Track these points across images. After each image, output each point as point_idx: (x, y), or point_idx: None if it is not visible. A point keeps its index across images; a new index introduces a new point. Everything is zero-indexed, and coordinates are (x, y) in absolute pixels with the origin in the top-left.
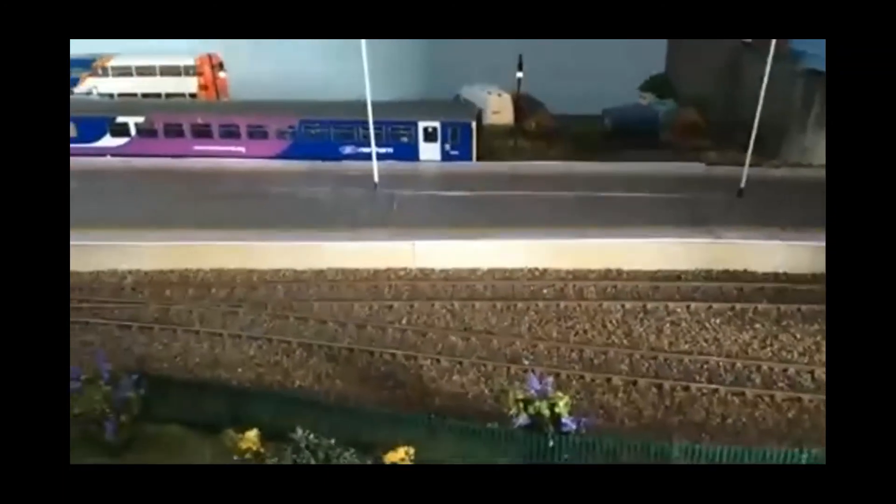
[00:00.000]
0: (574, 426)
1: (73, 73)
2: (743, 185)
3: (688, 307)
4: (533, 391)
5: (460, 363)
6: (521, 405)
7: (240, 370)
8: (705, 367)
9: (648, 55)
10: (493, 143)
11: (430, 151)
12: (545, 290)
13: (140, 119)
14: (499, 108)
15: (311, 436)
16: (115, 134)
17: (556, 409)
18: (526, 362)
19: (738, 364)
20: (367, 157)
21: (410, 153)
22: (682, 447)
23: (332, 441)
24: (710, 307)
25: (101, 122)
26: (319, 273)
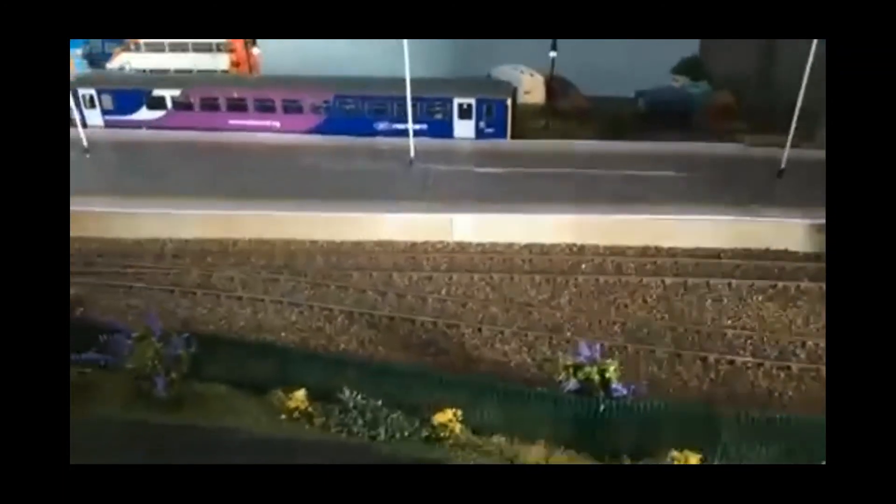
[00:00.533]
0: (625, 391)
1: (106, 49)
2: (783, 165)
3: (729, 284)
4: (582, 357)
5: (501, 332)
6: (571, 370)
7: (283, 334)
8: (749, 342)
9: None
10: (526, 124)
11: (464, 128)
12: (584, 265)
13: (176, 92)
14: (531, 88)
15: (359, 396)
16: (151, 107)
17: (607, 375)
18: (568, 333)
19: (783, 340)
20: (402, 133)
21: (445, 130)
22: (733, 413)
23: (379, 402)
24: (752, 284)
25: (138, 94)
26: (358, 244)
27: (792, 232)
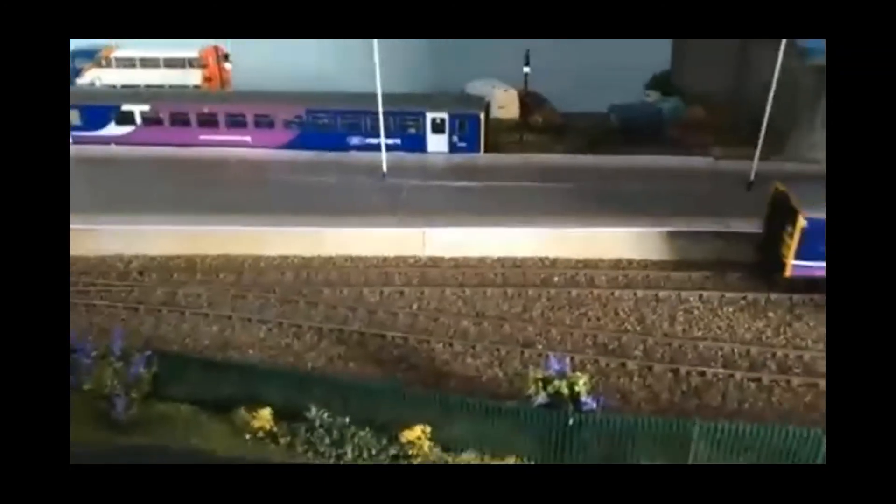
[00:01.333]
0: (594, 405)
1: (76, 64)
2: (752, 178)
3: (700, 296)
4: (552, 371)
5: (473, 347)
6: (540, 384)
7: (251, 352)
8: (720, 353)
9: (653, 53)
10: (500, 138)
11: (437, 143)
12: (556, 278)
13: (145, 107)
14: (504, 104)
15: (326, 414)
16: (119, 122)
17: (576, 388)
18: (539, 347)
19: (753, 350)
20: (375, 147)
21: (418, 144)
22: (703, 426)
23: (347, 420)
24: (723, 296)
25: (106, 110)
26: (328, 259)
27: None
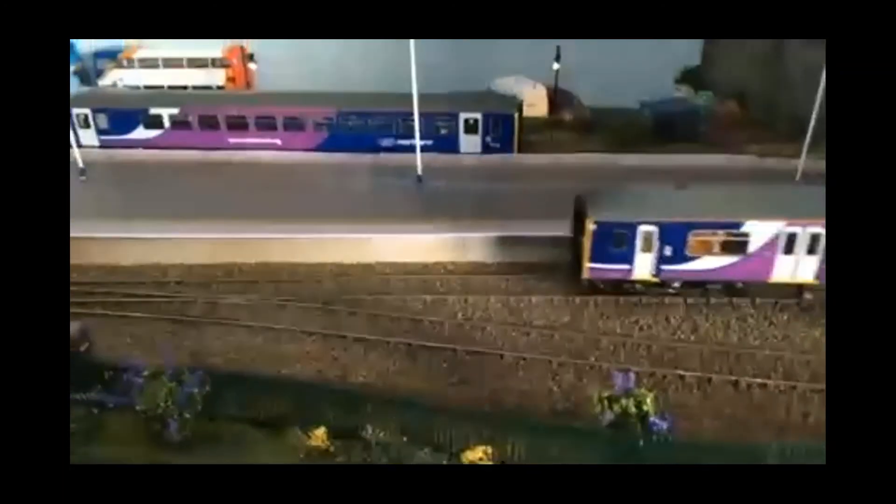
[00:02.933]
0: (664, 425)
1: (98, 65)
2: (798, 177)
3: (753, 302)
4: (616, 388)
5: (524, 359)
6: (606, 402)
7: (298, 366)
8: (779, 363)
9: (681, 47)
10: (529, 137)
11: (470, 143)
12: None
13: (174, 110)
14: (533, 101)
15: (382, 433)
16: (148, 126)
17: (644, 407)
18: (592, 358)
19: (814, 360)
20: (407, 149)
21: (450, 145)
22: (779, 448)
23: (404, 439)
24: (776, 303)
25: (134, 113)
26: (367, 266)
27: None
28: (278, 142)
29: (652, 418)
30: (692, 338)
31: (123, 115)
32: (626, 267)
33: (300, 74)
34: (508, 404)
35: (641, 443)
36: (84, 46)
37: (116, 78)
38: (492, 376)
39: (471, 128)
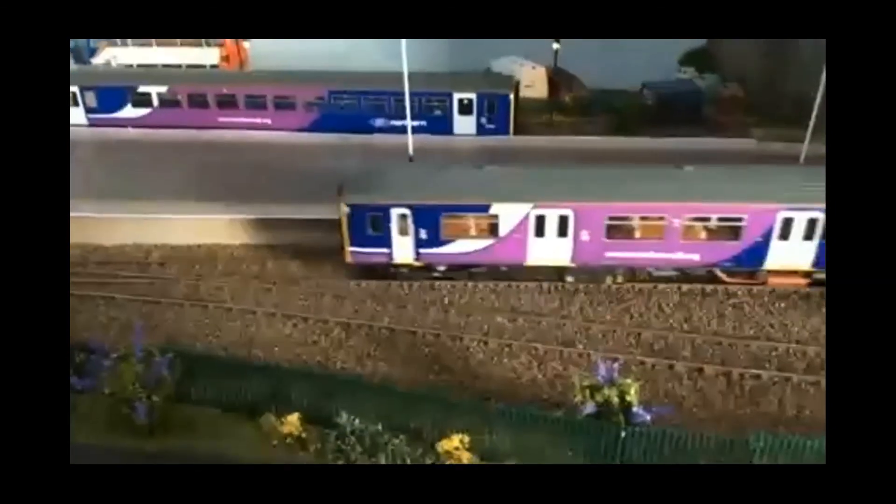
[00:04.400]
0: (647, 416)
1: (92, 43)
2: (802, 160)
3: (749, 291)
4: (599, 377)
5: (509, 346)
6: (588, 392)
7: (276, 349)
8: (774, 353)
9: None
10: (527, 119)
11: (464, 125)
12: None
13: (163, 89)
14: (532, 82)
15: (357, 420)
16: (136, 104)
17: (627, 398)
18: (580, 346)
19: (810, 351)
20: (399, 129)
21: (444, 126)
22: (764, 438)
23: (379, 426)
24: (773, 291)
25: (123, 91)
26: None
27: None
28: (269, 121)
29: (635, 409)
30: (685, 326)
31: (112, 94)
32: (385, 250)
33: (294, 54)
34: (490, 392)
35: (623, 434)
36: None
37: (110, 56)
38: (475, 363)
39: (465, 108)
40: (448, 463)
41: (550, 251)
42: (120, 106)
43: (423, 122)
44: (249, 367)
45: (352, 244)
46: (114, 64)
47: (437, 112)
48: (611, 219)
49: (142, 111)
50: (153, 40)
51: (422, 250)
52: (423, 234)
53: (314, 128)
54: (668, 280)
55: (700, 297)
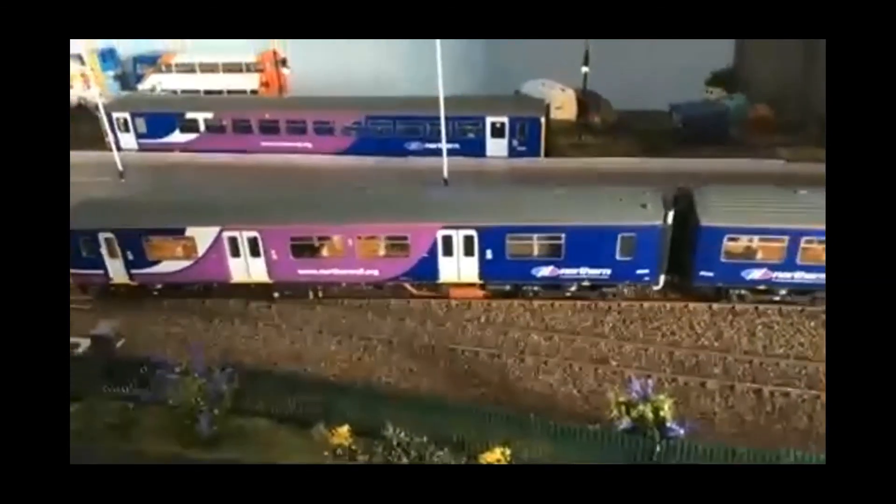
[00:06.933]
0: (681, 431)
1: (138, 70)
2: None
3: (779, 310)
4: (633, 394)
5: (545, 363)
6: (623, 408)
7: (323, 365)
8: (804, 371)
9: (712, 48)
10: (557, 140)
11: (497, 147)
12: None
13: (209, 115)
14: (562, 104)
15: (403, 433)
16: (184, 130)
17: (661, 413)
18: (614, 363)
19: None
20: (433, 153)
21: (477, 149)
22: (794, 454)
23: (424, 439)
24: (803, 310)
25: (171, 117)
26: None
27: None
28: (309, 145)
29: (668, 424)
30: (716, 344)
31: (161, 119)
32: (100, 271)
33: (333, 79)
34: (528, 407)
35: (658, 448)
36: (124, 51)
37: (155, 82)
38: (512, 379)
39: (497, 131)
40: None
41: (249, 270)
42: (168, 131)
43: (457, 145)
44: (300, 382)
45: (73, 266)
46: (158, 90)
47: (471, 135)
48: (293, 239)
49: (189, 136)
50: (196, 66)
51: (133, 270)
52: (131, 256)
53: (352, 151)
54: (699, 298)
55: (731, 316)
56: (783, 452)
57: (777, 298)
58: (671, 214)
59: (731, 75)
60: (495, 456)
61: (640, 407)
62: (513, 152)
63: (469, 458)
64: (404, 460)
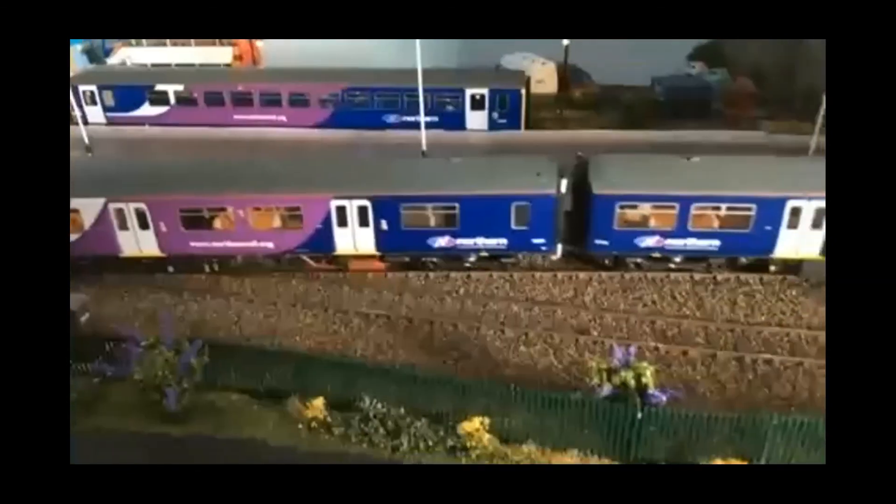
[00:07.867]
0: (662, 397)
1: (107, 43)
2: (811, 152)
3: (761, 279)
4: (616, 361)
5: (525, 334)
6: (605, 375)
7: (297, 339)
8: (786, 339)
9: None
10: (538, 114)
11: (477, 120)
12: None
13: (179, 87)
14: (542, 77)
15: (380, 405)
16: (153, 103)
17: (643, 380)
18: (595, 333)
19: (821, 337)
20: (412, 125)
21: (457, 122)
22: (780, 419)
23: (402, 410)
24: (785, 279)
25: (140, 90)
26: None
27: None
28: (284, 118)
29: (650, 390)
30: (698, 314)
31: (129, 92)
32: None
33: (306, 52)
34: (508, 379)
35: (640, 415)
36: None
37: (125, 56)
38: (493, 351)
39: (477, 104)
40: (469, 444)
41: (139, 243)
42: (137, 104)
43: (436, 118)
44: (273, 355)
45: None
46: (129, 63)
47: (450, 108)
48: (182, 211)
49: (159, 109)
50: (167, 40)
51: None
52: None
53: (329, 124)
54: (674, 270)
55: (712, 286)
56: (765, 415)
57: (672, 266)
58: (564, 183)
59: (713, 50)
60: (474, 425)
61: (622, 373)
62: (493, 125)
63: (447, 429)
64: (381, 432)
